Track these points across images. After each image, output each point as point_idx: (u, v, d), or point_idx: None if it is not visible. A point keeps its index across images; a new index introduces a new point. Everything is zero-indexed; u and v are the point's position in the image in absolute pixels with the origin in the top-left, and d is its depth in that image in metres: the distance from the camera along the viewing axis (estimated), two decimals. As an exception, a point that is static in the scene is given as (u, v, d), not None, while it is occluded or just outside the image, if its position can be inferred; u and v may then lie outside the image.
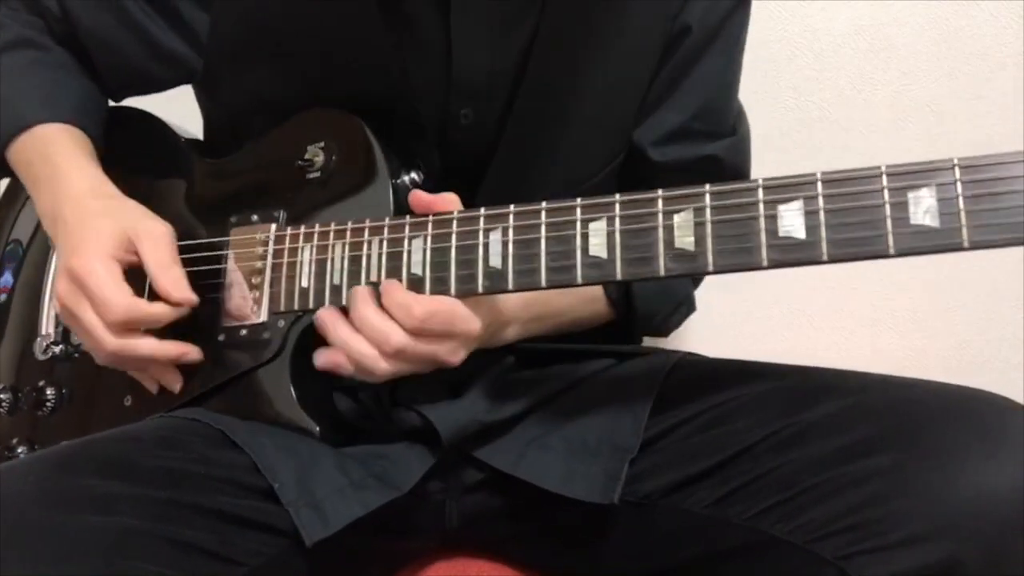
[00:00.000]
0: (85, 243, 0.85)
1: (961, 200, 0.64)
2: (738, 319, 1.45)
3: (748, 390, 0.83)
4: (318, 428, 0.85)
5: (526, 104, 0.90)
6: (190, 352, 0.88)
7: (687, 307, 1.04)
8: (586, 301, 0.97)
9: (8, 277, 1.05)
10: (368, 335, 0.80)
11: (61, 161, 0.92)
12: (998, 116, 1.51)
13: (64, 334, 0.98)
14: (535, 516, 0.89)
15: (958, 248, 0.64)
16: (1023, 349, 1.53)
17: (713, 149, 1.00)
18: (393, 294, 0.80)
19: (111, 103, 1.04)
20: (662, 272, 0.73)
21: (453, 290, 0.80)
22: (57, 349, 0.97)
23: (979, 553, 0.65)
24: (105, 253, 0.85)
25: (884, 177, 0.66)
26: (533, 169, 0.93)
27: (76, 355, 0.97)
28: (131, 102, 1.06)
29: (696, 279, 1.06)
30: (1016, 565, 0.65)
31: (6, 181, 1.06)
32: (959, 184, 0.64)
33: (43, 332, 0.99)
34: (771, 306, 1.52)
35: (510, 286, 0.79)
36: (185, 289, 0.86)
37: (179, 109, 1.04)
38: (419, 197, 0.84)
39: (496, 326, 0.87)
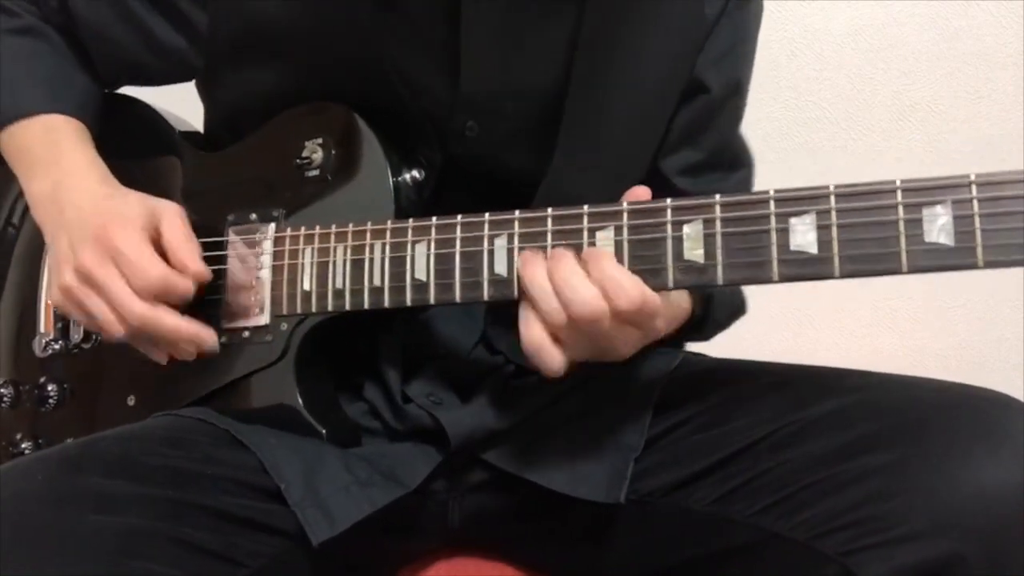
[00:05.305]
0: (115, 218, 0.84)
1: (977, 218, 0.63)
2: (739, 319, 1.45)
3: (748, 389, 0.83)
4: (324, 431, 0.85)
5: (538, 124, 0.88)
6: (208, 337, 0.85)
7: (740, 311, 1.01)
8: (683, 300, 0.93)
9: None
10: (568, 296, 0.72)
11: (67, 150, 0.91)
12: (998, 116, 1.52)
13: (63, 331, 0.97)
14: (538, 516, 0.88)
15: (972, 267, 0.63)
16: (1023, 349, 1.53)
17: (734, 181, 1.00)
18: (604, 265, 0.73)
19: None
20: (671, 284, 0.72)
21: (458, 297, 0.79)
22: (57, 346, 0.97)
23: (980, 549, 0.65)
24: (138, 224, 0.84)
25: (899, 192, 0.65)
26: (539, 191, 0.90)
27: (76, 352, 0.96)
28: (135, 93, 1.05)
29: None
30: (1017, 561, 0.65)
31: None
32: (975, 202, 0.63)
33: (41, 330, 0.99)
34: (771, 306, 1.52)
35: (515, 294, 0.77)
36: (201, 263, 0.85)
37: (184, 103, 1.03)
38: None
39: (664, 324, 0.79)
